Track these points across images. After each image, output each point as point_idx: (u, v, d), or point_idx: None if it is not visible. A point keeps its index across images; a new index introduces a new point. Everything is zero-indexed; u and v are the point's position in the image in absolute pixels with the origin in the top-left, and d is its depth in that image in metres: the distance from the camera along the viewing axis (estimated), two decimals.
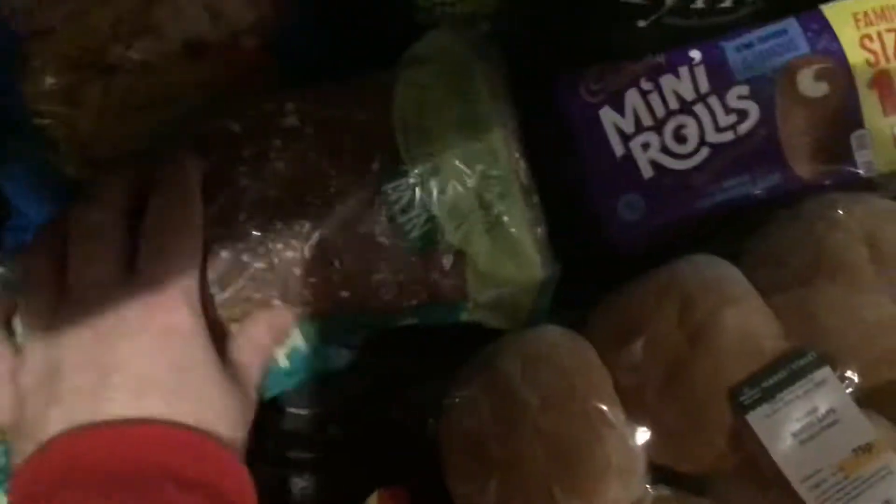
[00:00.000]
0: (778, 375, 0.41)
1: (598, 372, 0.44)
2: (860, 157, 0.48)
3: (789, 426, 0.40)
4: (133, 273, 0.38)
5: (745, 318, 0.43)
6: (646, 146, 0.49)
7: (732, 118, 0.48)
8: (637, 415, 0.43)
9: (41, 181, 0.49)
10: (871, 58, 0.48)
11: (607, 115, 0.49)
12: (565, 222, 0.48)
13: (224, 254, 0.41)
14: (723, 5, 0.48)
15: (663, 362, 0.43)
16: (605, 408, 0.43)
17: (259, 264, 0.41)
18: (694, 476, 0.44)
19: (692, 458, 0.43)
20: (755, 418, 0.41)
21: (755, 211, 0.48)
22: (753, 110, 0.48)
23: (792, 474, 0.39)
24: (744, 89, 0.48)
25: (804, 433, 0.40)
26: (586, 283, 0.49)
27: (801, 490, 0.39)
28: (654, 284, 0.46)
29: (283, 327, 0.42)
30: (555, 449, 0.42)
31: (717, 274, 0.45)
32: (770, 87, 0.48)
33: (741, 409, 0.41)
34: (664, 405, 0.43)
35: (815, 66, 0.48)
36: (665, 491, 0.44)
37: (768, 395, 0.41)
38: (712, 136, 0.49)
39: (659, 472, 0.44)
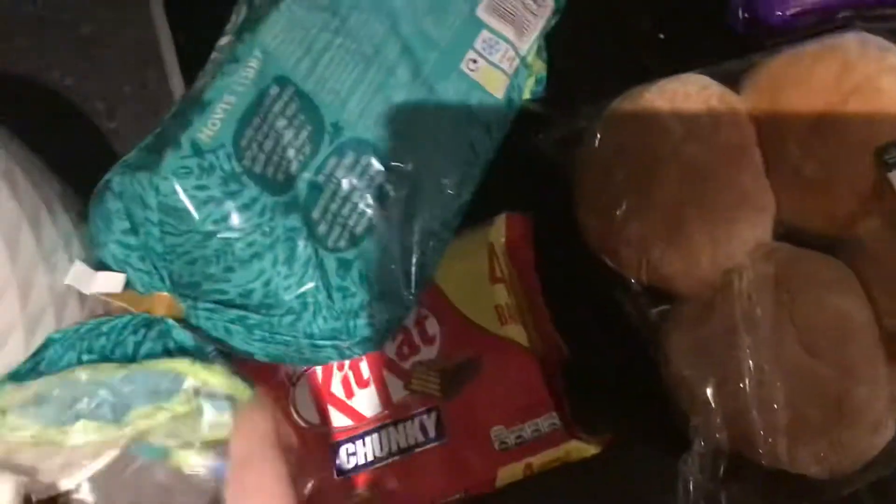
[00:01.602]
0: None
1: (743, 117, 0.45)
2: None
3: None
4: None
5: None
6: None
7: None
8: (776, 165, 0.44)
9: None
10: None
11: None
12: None
13: None
14: None
15: (812, 115, 0.43)
16: (746, 147, 0.44)
17: None
18: (819, 239, 0.45)
19: (825, 211, 0.43)
20: None
21: None
22: None
23: None
24: None
25: None
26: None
27: None
28: (812, 48, 0.46)
29: None
30: (691, 175, 0.43)
31: (877, 45, 0.45)
32: None
33: (885, 167, 0.41)
34: (807, 155, 0.43)
35: None
36: (789, 245, 0.44)
37: None
38: None
39: (784, 232, 0.45)
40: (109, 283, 0.36)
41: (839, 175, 0.43)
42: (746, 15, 0.51)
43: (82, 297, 0.38)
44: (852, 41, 0.45)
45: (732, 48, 0.50)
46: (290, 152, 0.39)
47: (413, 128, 0.42)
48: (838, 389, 0.40)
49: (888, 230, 0.42)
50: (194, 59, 0.54)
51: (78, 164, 0.52)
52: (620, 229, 0.45)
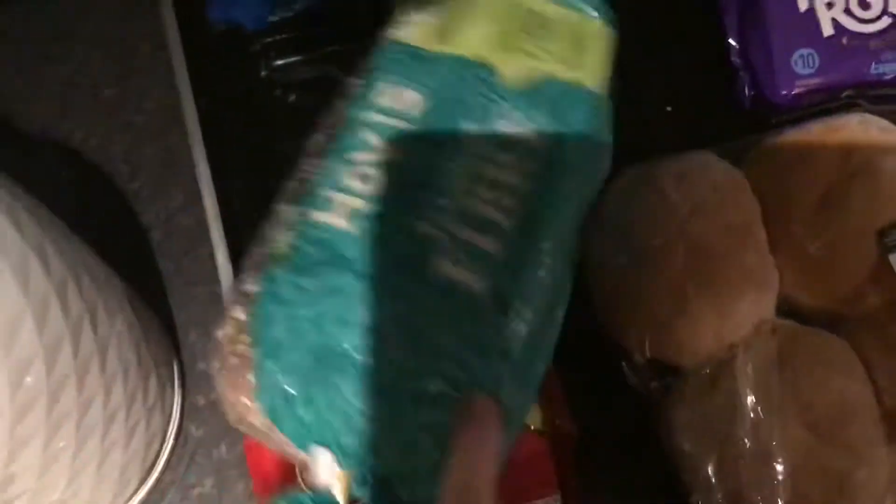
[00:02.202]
0: None
1: (748, 195, 0.46)
2: None
3: None
4: None
5: None
6: (830, 5, 0.50)
7: None
8: (780, 243, 0.45)
9: None
10: None
11: None
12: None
13: None
14: None
15: (817, 195, 0.44)
16: (751, 226, 0.45)
17: None
18: (823, 316, 0.45)
19: (829, 289, 0.44)
20: None
21: None
22: None
23: None
24: None
25: None
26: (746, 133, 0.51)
27: None
28: (817, 129, 0.47)
29: None
30: (697, 252, 0.44)
31: (881, 126, 0.46)
32: None
33: (886, 249, 0.42)
34: (811, 234, 0.44)
35: None
36: (792, 322, 0.45)
37: None
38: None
39: (788, 309, 0.46)
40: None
41: (842, 255, 0.44)
42: (752, 92, 0.53)
43: (102, 363, 0.39)
44: (855, 122, 0.46)
45: (739, 124, 0.52)
46: None
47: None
48: (840, 469, 0.41)
49: (888, 311, 0.43)
50: (215, 124, 0.56)
51: (100, 225, 0.54)
52: (625, 304, 0.46)
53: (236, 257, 0.53)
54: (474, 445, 0.33)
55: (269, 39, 0.59)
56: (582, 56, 0.44)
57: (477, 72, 0.43)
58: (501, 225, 0.39)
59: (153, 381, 0.45)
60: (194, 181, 0.55)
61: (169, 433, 0.49)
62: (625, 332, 0.46)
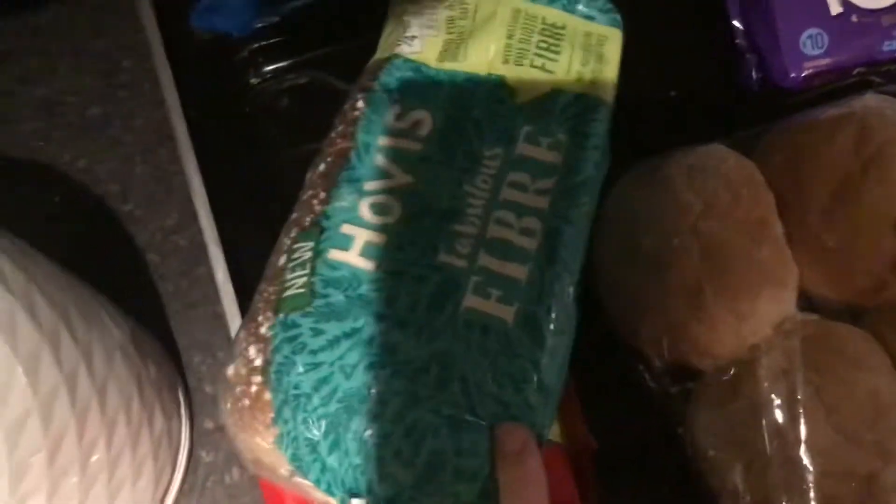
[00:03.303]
0: None
1: (762, 188, 0.44)
2: None
3: None
4: None
5: None
6: None
7: None
8: (797, 235, 0.43)
9: None
10: None
11: None
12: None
13: None
14: None
15: (832, 185, 0.43)
16: (766, 220, 0.43)
17: None
18: (844, 308, 0.44)
19: (848, 282, 0.43)
20: None
21: None
22: None
23: None
24: None
25: None
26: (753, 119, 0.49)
27: None
28: (830, 114, 0.45)
29: None
30: (711, 252, 0.43)
31: (895, 110, 0.44)
32: None
33: None
34: (827, 226, 0.43)
35: None
36: (814, 316, 0.44)
37: None
38: None
39: (808, 302, 0.44)
40: None
41: (861, 246, 0.42)
42: (760, 76, 0.51)
43: (102, 405, 0.37)
44: (870, 105, 0.45)
45: (747, 110, 0.50)
46: None
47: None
48: (869, 469, 0.39)
49: None
50: (207, 137, 0.54)
51: (93, 250, 0.52)
52: (641, 307, 0.44)
53: (236, 276, 0.52)
54: (518, 485, 0.32)
55: (256, 45, 0.58)
56: (592, 65, 0.43)
57: (488, 87, 0.42)
58: (528, 250, 0.38)
59: (158, 413, 0.43)
60: (189, 198, 0.53)
61: (179, 462, 0.48)
62: (641, 337, 0.44)
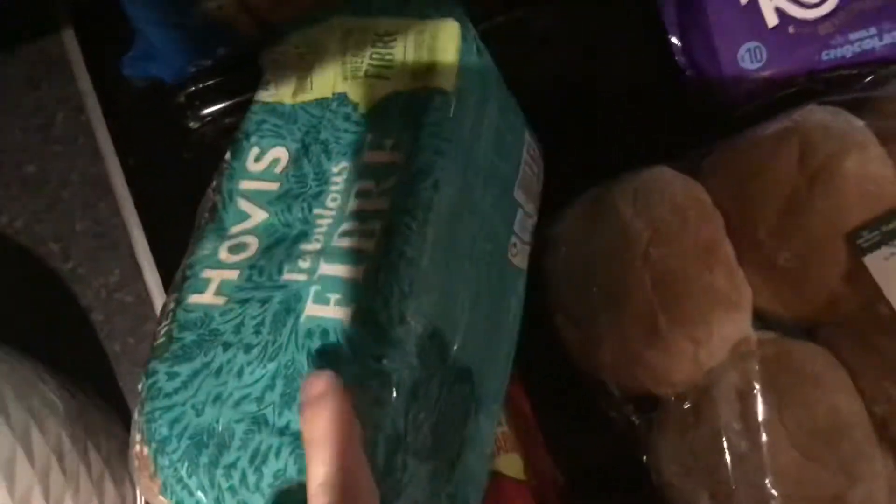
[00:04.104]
0: None
1: (710, 209, 0.44)
2: None
3: None
4: None
5: (865, 164, 0.42)
6: None
7: None
8: (748, 254, 0.43)
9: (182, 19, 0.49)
10: None
11: None
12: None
13: None
14: None
15: (780, 202, 0.42)
16: (716, 243, 0.43)
17: None
18: (798, 324, 0.44)
19: (802, 298, 0.43)
20: (873, 261, 0.40)
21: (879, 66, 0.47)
22: None
23: None
24: None
25: None
26: (697, 137, 0.48)
27: None
28: (773, 130, 0.45)
29: None
30: (663, 279, 0.42)
31: (837, 122, 0.44)
32: None
33: (859, 252, 0.41)
34: (778, 244, 0.42)
35: None
36: (770, 334, 0.43)
37: (887, 239, 0.40)
38: None
39: (763, 321, 0.44)
40: None
41: (813, 263, 0.42)
42: (701, 92, 0.50)
43: (47, 500, 0.36)
44: (812, 118, 0.44)
45: (689, 126, 0.50)
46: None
47: (491, 339, 0.41)
48: (835, 490, 0.39)
49: (866, 314, 0.41)
50: (147, 187, 0.53)
51: (35, 312, 0.51)
52: (597, 337, 0.44)
53: None
54: (321, 426, 0.29)
55: (192, 89, 0.56)
56: (426, 59, 0.42)
57: (333, 108, 0.42)
58: (366, 250, 0.37)
59: (108, 485, 0.42)
60: (132, 252, 0.52)
61: None
62: (599, 368, 0.44)
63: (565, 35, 0.51)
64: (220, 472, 0.34)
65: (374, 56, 0.43)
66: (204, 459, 0.34)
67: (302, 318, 0.36)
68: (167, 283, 0.51)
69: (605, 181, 0.46)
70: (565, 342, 0.45)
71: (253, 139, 0.43)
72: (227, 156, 0.43)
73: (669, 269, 0.42)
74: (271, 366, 0.35)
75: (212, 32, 0.52)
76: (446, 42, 0.42)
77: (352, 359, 0.35)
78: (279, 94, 0.44)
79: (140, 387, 0.37)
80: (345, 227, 0.38)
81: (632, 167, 0.46)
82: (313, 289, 0.37)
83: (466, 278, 0.39)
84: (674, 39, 0.51)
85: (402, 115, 0.41)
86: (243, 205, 0.41)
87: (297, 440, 0.33)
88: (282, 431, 0.34)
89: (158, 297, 0.51)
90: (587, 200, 0.46)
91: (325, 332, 0.35)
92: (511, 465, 0.43)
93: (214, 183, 0.43)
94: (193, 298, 0.38)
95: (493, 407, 0.40)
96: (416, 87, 0.41)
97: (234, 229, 0.40)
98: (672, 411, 0.43)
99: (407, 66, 0.42)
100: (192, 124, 0.56)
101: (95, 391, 0.47)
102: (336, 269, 0.37)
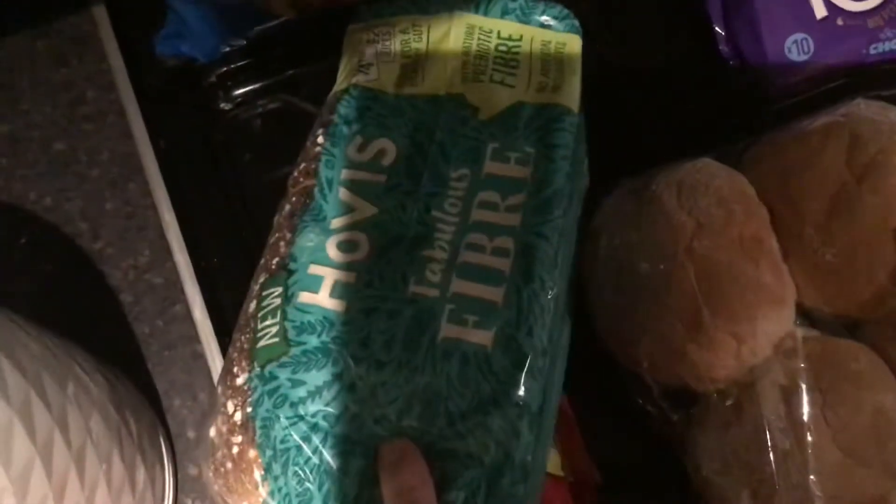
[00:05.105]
0: None
1: (755, 203, 0.43)
2: None
3: None
4: None
5: None
6: None
7: None
8: (792, 250, 0.42)
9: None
10: None
11: None
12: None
13: None
14: None
15: (827, 197, 0.42)
16: (761, 237, 0.42)
17: None
18: (842, 322, 0.43)
19: (848, 295, 0.42)
20: None
21: None
22: None
23: None
24: None
25: None
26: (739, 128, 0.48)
27: None
28: (820, 124, 0.44)
29: None
30: (707, 273, 0.41)
31: (886, 116, 0.43)
32: None
33: None
34: (824, 240, 0.41)
35: None
36: (814, 332, 0.42)
37: None
38: None
39: (806, 318, 0.43)
40: None
41: (860, 259, 0.41)
42: (745, 83, 0.49)
43: (81, 472, 0.36)
44: (859, 113, 0.43)
45: (734, 118, 0.49)
46: None
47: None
48: (879, 490, 0.39)
49: None
50: (177, 167, 0.52)
51: (64, 293, 0.50)
52: (636, 331, 0.43)
53: (214, 312, 0.50)
54: (397, 493, 0.32)
55: (224, 69, 0.55)
56: (554, 73, 0.42)
57: (449, 108, 0.41)
58: (501, 270, 0.37)
59: (140, 465, 0.42)
60: (161, 234, 0.51)
61: None
62: (638, 362, 0.43)
63: (604, 24, 0.50)
64: (367, 484, 0.34)
65: (499, 60, 0.42)
66: (347, 469, 0.34)
67: (438, 339, 0.35)
68: (196, 265, 0.51)
69: (644, 173, 0.45)
70: (601, 334, 0.44)
71: (355, 127, 0.41)
72: (321, 140, 0.41)
73: (714, 263, 0.41)
74: (407, 387, 0.34)
75: (246, 11, 0.51)
76: (571, 57, 0.41)
77: (495, 388, 0.34)
78: (381, 81, 0.42)
79: (244, 384, 0.35)
80: (472, 237, 0.37)
81: (670, 159, 0.45)
82: (448, 307, 0.36)
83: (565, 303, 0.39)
84: (718, 28, 0.50)
85: (527, 129, 0.40)
86: (346, 196, 0.39)
87: (445, 455, 0.33)
88: (429, 448, 0.34)
89: (188, 280, 0.50)
90: (626, 192, 0.45)
91: (464, 357, 0.35)
92: (549, 461, 0.42)
93: (303, 166, 0.41)
94: (305, 297, 0.37)
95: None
96: (542, 101, 0.41)
97: (338, 222, 0.39)
98: (713, 407, 0.42)
99: (533, 76, 0.41)
100: (223, 105, 0.56)
101: (123, 373, 0.47)
102: (472, 288, 0.36)
